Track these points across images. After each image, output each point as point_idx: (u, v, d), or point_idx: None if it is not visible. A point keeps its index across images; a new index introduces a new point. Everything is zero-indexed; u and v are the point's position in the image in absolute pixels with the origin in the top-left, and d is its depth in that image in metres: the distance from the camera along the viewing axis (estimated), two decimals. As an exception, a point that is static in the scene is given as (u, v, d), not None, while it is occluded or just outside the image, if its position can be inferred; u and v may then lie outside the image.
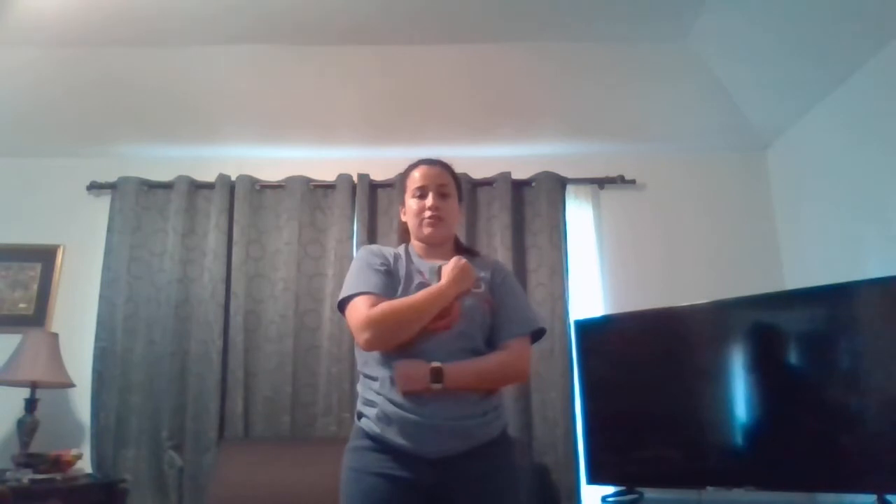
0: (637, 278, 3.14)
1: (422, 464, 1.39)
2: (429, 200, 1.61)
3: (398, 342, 1.45)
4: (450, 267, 1.53)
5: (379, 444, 1.42)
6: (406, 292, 1.52)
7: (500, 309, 1.55)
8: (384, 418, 1.41)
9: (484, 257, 1.74)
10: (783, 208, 3.23)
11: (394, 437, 1.39)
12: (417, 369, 1.40)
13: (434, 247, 1.65)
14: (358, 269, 1.59)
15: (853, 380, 2.30)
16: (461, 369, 1.41)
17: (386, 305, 1.46)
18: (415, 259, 1.63)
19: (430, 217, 1.60)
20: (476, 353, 1.48)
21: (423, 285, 1.52)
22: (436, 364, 1.40)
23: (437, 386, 1.38)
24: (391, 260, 1.61)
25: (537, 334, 1.59)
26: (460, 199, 1.71)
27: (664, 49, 2.97)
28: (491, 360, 1.48)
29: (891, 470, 2.11)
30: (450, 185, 1.66)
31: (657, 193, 3.34)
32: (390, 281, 1.54)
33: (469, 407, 1.43)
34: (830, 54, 2.63)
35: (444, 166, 1.69)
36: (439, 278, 1.52)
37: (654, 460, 2.62)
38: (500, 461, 1.45)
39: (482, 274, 1.58)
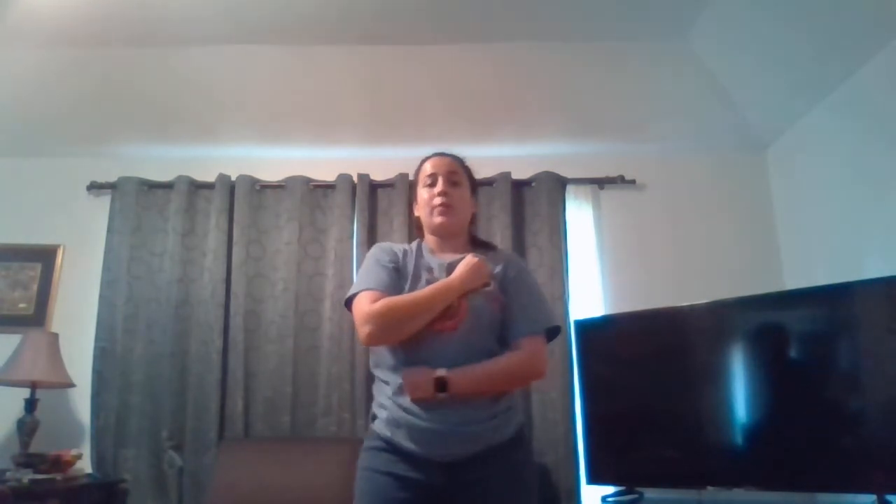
0: (637, 278, 3.14)
1: (431, 466, 1.38)
2: (438, 187, 1.58)
3: (400, 337, 1.43)
4: (463, 263, 1.49)
5: (390, 446, 1.43)
6: (413, 289, 1.49)
7: (513, 306, 1.50)
8: (393, 422, 1.42)
9: (500, 251, 1.69)
10: (783, 208, 3.23)
11: (403, 441, 1.40)
12: (423, 378, 1.38)
13: (447, 240, 1.60)
14: (366, 266, 1.58)
15: (853, 380, 2.30)
16: (466, 376, 1.38)
17: (388, 300, 1.44)
18: (426, 255, 1.60)
19: (439, 205, 1.57)
20: (486, 353, 1.44)
21: (431, 282, 1.50)
22: (440, 373, 1.37)
23: (442, 395, 1.36)
24: (400, 256, 1.58)
25: (553, 331, 1.54)
26: (474, 192, 1.68)
27: (664, 49, 2.97)
28: (499, 363, 1.43)
29: (891, 470, 2.11)
30: (460, 174, 1.63)
31: (657, 193, 3.34)
32: (397, 278, 1.52)
33: (477, 412, 1.40)
34: (830, 54, 2.63)
35: (454, 157, 1.67)
36: (449, 275, 1.49)
37: (654, 460, 2.61)
38: (511, 463, 1.43)
39: (496, 269, 1.54)
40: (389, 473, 1.40)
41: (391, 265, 1.55)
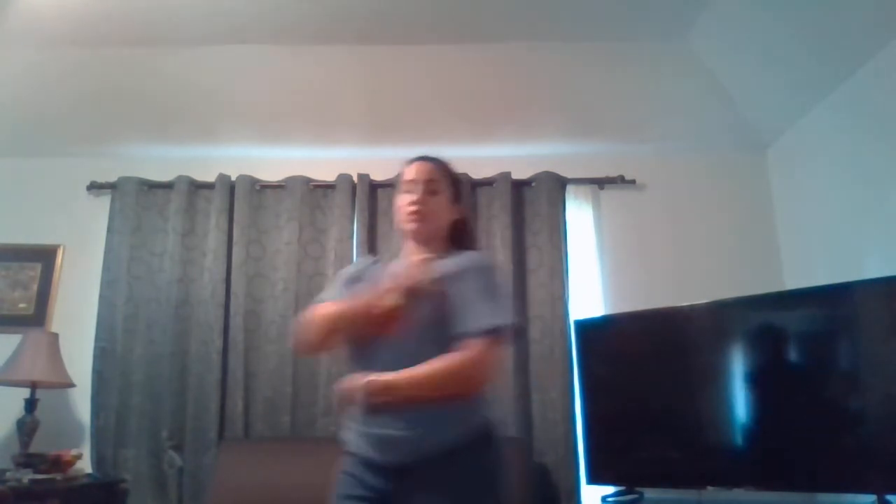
0: (637, 278, 3.14)
1: (382, 470, 1.40)
2: (410, 196, 1.57)
3: (320, 349, 1.56)
4: (402, 268, 1.49)
5: (349, 450, 1.48)
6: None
7: (459, 305, 1.42)
8: (348, 428, 1.49)
9: (468, 252, 1.60)
10: (783, 208, 3.23)
11: (355, 445, 1.45)
12: (353, 387, 1.38)
13: (422, 245, 1.58)
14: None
15: (853, 380, 2.30)
16: (393, 382, 1.34)
17: (311, 314, 1.51)
18: (394, 262, 1.61)
19: (408, 213, 1.56)
20: (429, 356, 1.38)
21: (348, 288, 1.56)
22: (367, 380, 1.35)
23: (369, 403, 1.35)
24: (363, 269, 1.65)
25: (500, 331, 1.41)
26: (458, 199, 1.65)
27: (664, 49, 2.97)
28: (426, 368, 1.35)
29: (891, 470, 2.11)
30: (440, 181, 1.60)
31: (657, 193, 3.34)
32: (349, 291, 1.56)
33: (418, 417, 1.37)
34: (831, 54, 2.63)
35: (437, 163, 1.63)
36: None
37: (654, 460, 2.61)
38: (464, 468, 1.38)
39: (456, 268, 1.48)
40: (350, 474, 1.45)
41: (347, 279, 1.62)
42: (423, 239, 1.58)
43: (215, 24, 2.85)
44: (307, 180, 3.28)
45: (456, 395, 1.38)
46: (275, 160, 3.37)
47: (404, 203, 1.58)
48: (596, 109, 3.22)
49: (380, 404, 1.35)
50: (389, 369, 1.37)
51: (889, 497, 2.09)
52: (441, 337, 1.41)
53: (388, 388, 1.35)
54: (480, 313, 1.41)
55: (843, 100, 2.76)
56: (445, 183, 1.62)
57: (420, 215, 1.56)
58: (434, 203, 1.58)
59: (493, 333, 1.40)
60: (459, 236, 1.66)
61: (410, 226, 1.57)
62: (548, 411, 2.94)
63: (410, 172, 1.61)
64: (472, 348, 1.37)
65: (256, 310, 3.12)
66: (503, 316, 1.43)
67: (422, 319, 1.42)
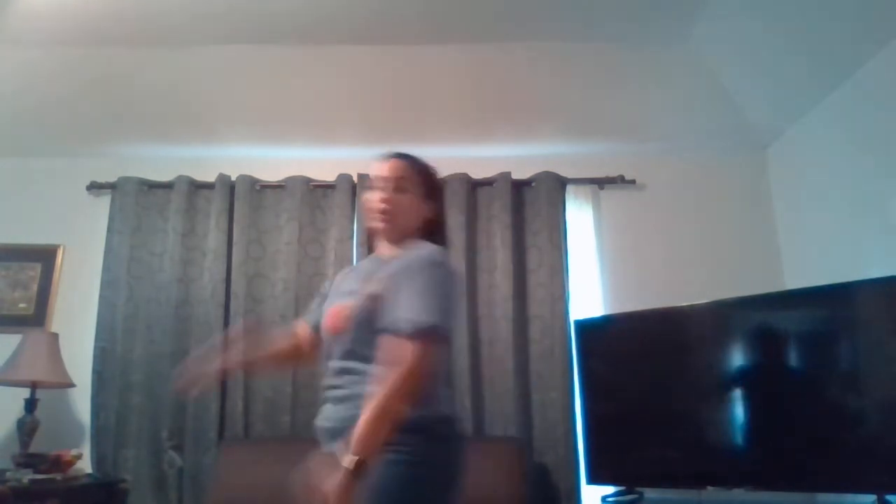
0: (637, 278, 3.14)
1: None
2: (376, 194, 1.57)
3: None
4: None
5: None
6: (328, 300, 1.61)
7: (389, 302, 1.40)
8: None
9: (421, 246, 1.53)
10: (783, 208, 3.23)
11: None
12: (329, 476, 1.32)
13: (392, 241, 1.58)
14: None
15: (853, 380, 2.30)
16: (361, 437, 1.29)
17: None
18: (367, 257, 1.68)
19: (375, 211, 1.57)
20: (359, 353, 1.42)
21: (325, 297, 1.64)
22: (345, 462, 1.29)
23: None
24: (339, 278, 1.72)
25: (426, 331, 1.35)
26: (430, 196, 1.62)
27: (665, 48, 2.97)
28: (363, 423, 1.30)
29: (891, 470, 2.11)
30: (408, 179, 1.58)
31: (657, 194, 3.34)
32: (323, 305, 1.64)
33: (345, 410, 1.39)
34: (830, 55, 2.63)
35: (408, 160, 1.62)
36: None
37: (654, 460, 2.62)
38: (390, 458, 1.32)
39: (400, 265, 1.46)
40: None
41: (326, 291, 1.72)
42: (391, 237, 1.59)
43: (216, 24, 2.85)
44: (307, 180, 3.28)
45: (405, 407, 1.33)
46: (275, 160, 3.37)
47: (371, 200, 1.58)
48: (596, 109, 3.22)
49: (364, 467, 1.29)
50: (335, 362, 1.48)
51: (889, 497, 2.09)
52: (372, 332, 1.41)
53: (358, 469, 1.27)
54: (403, 310, 1.37)
55: (843, 100, 2.76)
56: (416, 181, 1.59)
57: (386, 214, 1.56)
58: (402, 201, 1.56)
59: (418, 333, 1.34)
60: (432, 234, 1.61)
61: (376, 225, 1.59)
62: (548, 411, 2.94)
63: (381, 169, 1.60)
64: (389, 351, 1.34)
65: (256, 310, 3.12)
66: (410, 318, 1.36)
67: (351, 323, 1.45)
